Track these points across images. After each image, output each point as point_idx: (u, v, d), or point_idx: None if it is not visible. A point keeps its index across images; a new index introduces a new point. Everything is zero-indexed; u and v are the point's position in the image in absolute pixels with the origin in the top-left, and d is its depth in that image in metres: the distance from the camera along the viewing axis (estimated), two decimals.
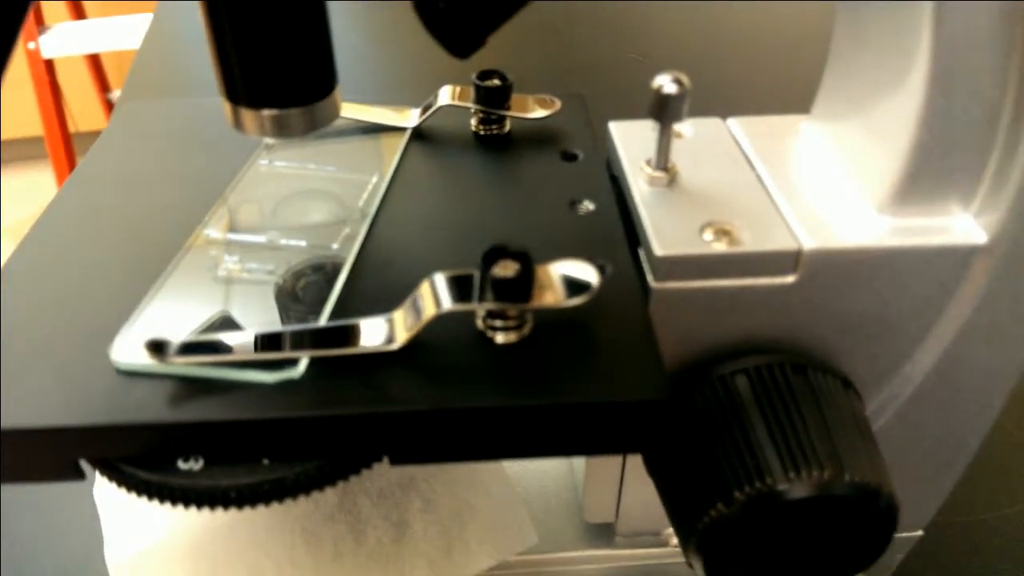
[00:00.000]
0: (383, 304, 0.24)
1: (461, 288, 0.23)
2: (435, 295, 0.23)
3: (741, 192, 0.27)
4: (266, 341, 0.22)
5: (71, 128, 1.59)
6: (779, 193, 0.27)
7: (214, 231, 0.27)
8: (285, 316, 0.25)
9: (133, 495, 0.22)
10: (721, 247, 0.25)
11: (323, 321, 0.24)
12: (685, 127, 0.30)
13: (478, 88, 0.31)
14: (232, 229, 0.27)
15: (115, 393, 0.22)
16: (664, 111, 0.25)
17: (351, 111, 0.33)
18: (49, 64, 1.47)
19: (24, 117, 1.72)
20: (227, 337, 0.22)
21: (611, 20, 0.91)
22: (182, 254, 0.26)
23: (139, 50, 0.89)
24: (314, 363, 0.23)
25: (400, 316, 0.23)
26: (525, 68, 0.34)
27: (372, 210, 0.28)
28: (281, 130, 0.23)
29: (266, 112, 0.23)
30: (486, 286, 0.22)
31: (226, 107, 0.23)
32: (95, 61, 1.66)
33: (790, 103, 0.32)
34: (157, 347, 0.22)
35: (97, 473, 0.23)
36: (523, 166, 0.31)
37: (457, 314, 0.23)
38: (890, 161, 0.25)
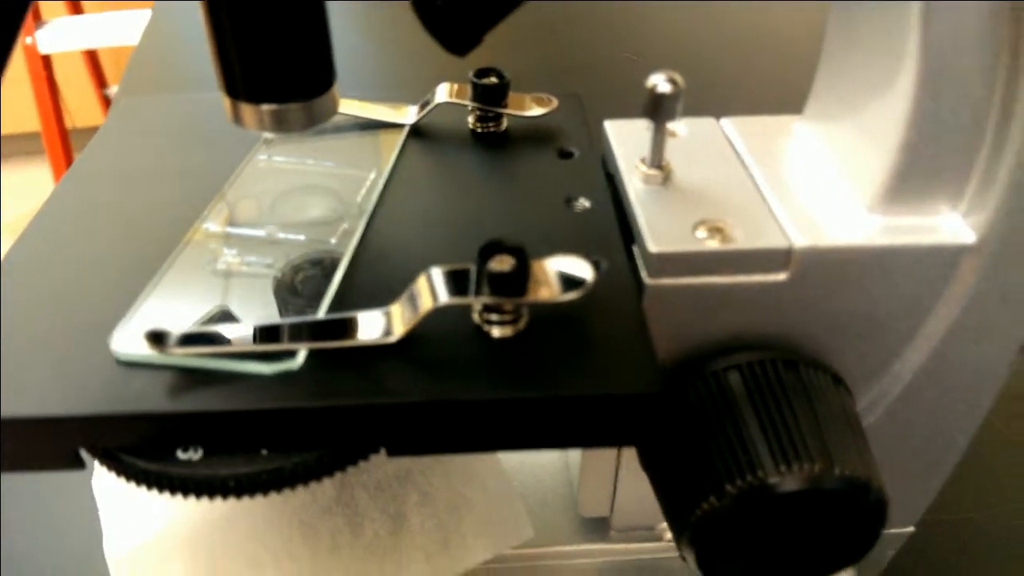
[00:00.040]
0: (381, 298, 0.24)
1: (458, 282, 0.23)
2: (432, 289, 0.23)
3: (734, 191, 0.27)
4: (265, 333, 0.23)
5: (68, 124, 1.59)
6: (771, 192, 0.27)
7: (213, 225, 0.27)
8: (284, 309, 0.25)
9: (132, 485, 0.22)
10: (714, 244, 0.25)
11: (321, 315, 0.24)
12: (679, 126, 0.31)
13: (475, 86, 0.32)
14: (231, 223, 0.28)
15: (115, 383, 0.22)
16: (658, 110, 0.26)
17: (349, 107, 0.33)
18: (46, 59, 1.47)
19: (21, 113, 1.72)
20: (226, 329, 0.23)
21: (608, 20, 0.91)
22: (181, 247, 0.26)
23: (137, 46, 0.89)
24: (312, 355, 0.23)
25: (398, 309, 0.23)
26: (522, 68, 0.34)
27: (370, 206, 0.29)
28: (280, 125, 0.23)
29: (265, 107, 0.23)
30: (482, 280, 0.22)
31: (226, 102, 0.23)
32: (92, 57, 1.66)
33: (784, 103, 0.32)
34: (157, 338, 0.22)
35: (95, 465, 0.23)
36: (520, 163, 0.31)
37: (454, 308, 0.23)
38: (880, 161, 0.26)
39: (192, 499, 0.28)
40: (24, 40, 1.39)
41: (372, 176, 0.30)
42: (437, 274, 0.23)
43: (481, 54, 0.27)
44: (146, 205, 0.29)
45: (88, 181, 0.30)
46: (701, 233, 0.26)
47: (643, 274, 0.26)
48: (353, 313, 0.23)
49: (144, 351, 0.22)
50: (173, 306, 0.24)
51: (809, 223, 0.26)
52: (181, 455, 0.22)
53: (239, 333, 0.22)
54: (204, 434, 0.22)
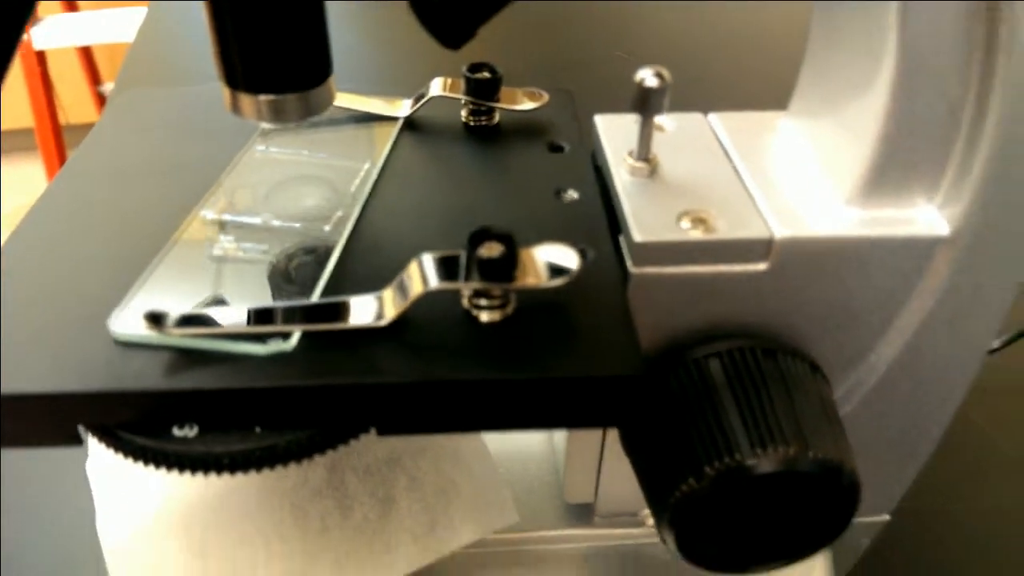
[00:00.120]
0: (373, 285, 0.25)
1: (448, 268, 0.24)
2: (423, 274, 0.24)
3: (718, 183, 0.28)
4: (260, 315, 0.23)
5: (62, 120, 1.59)
6: (754, 185, 0.28)
7: (211, 213, 0.28)
8: (278, 295, 0.26)
9: (130, 461, 0.23)
10: (697, 234, 0.26)
11: (315, 299, 0.25)
12: (667, 121, 0.31)
13: (468, 80, 0.32)
14: (228, 211, 0.28)
15: (114, 363, 0.23)
16: (646, 104, 0.26)
17: (345, 100, 0.34)
18: (41, 56, 1.48)
19: (15, 108, 1.72)
20: (222, 311, 0.23)
21: (601, 19, 0.92)
22: (179, 234, 0.27)
23: (132, 43, 0.90)
24: (306, 337, 0.24)
25: (389, 294, 0.24)
26: (516, 65, 0.35)
27: (364, 196, 0.29)
28: (278, 115, 0.24)
29: (263, 97, 0.24)
30: (472, 266, 0.23)
31: (225, 92, 0.24)
32: (87, 53, 1.66)
33: (770, 100, 0.33)
34: (155, 319, 0.23)
35: (90, 449, 0.24)
36: (511, 156, 0.32)
37: (444, 294, 0.24)
38: (859, 155, 0.27)
39: (186, 481, 0.29)
40: None
41: (366, 167, 0.31)
42: (428, 260, 0.24)
43: (475, 51, 0.28)
44: (144, 194, 0.30)
45: (87, 171, 0.31)
46: (685, 223, 0.27)
47: (628, 263, 0.27)
48: (346, 297, 0.24)
49: (142, 331, 0.23)
50: (171, 289, 0.25)
51: (789, 215, 0.27)
52: (177, 432, 0.23)
53: (235, 315, 0.23)
54: (200, 412, 0.23)
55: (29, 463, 0.45)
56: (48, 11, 1.50)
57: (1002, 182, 0.26)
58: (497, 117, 0.34)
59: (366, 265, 0.27)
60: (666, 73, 0.26)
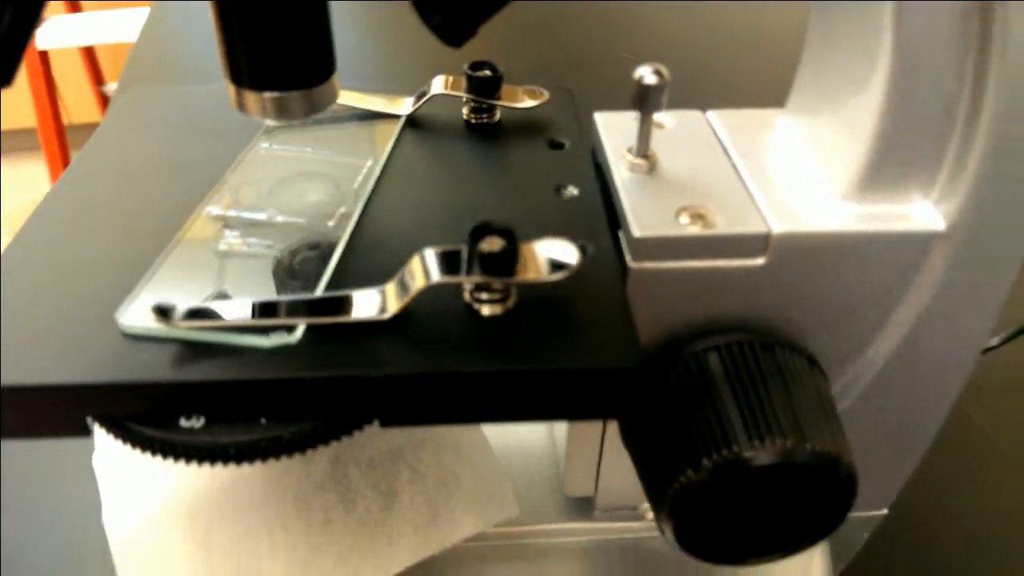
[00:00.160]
0: (376, 280, 0.25)
1: (450, 262, 0.24)
2: (425, 268, 0.24)
3: (717, 179, 0.29)
4: (265, 308, 0.24)
5: (65, 120, 1.60)
6: (752, 181, 0.28)
7: (216, 209, 0.29)
8: (282, 289, 0.26)
9: (137, 452, 0.23)
10: (695, 230, 0.27)
11: (319, 293, 0.25)
12: (667, 118, 0.32)
13: (470, 78, 0.33)
14: (233, 207, 0.29)
15: (122, 355, 0.23)
16: (645, 101, 0.27)
17: (348, 98, 0.34)
18: (44, 55, 1.48)
19: (18, 108, 1.73)
20: (228, 304, 0.24)
21: (601, 19, 0.93)
22: (185, 229, 0.28)
23: (135, 44, 0.90)
24: (310, 331, 0.24)
25: (392, 288, 0.25)
26: (517, 65, 0.36)
27: (367, 192, 0.30)
28: (282, 112, 0.24)
29: (268, 95, 0.24)
30: (473, 260, 0.24)
31: (230, 89, 0.24)
32: (90, 53, 1.67)
33: (771, 99, 0.33)
34: (163, 312, 0.23)
35: (96, 443, 0.24)
36: (512, 153, 0.32)
37: (446, 288, 0.24)
38: (855, 151, 0.27)
39: (191, 474, 0.29)
40: None
41: (369, 164, 0.31)
42: (430, 254, 0.24)
43: (476, 51, 0.29)
44: (150, 191, 0.30)
45: (93, 169, 0.31)
46: (684, 219, 0.27)
47: (627, 258, 0.27)
48: (349, 291, 0.25)
49: (150, 324, 0.23)
50: (177, 284, 0.25)
51: (787, 210, 0.27)
52: (184, 423, 0.23)
53: (241, 308, 0.24)
54: (206, 403, 0.23)
55: (31, 456, 0.45)
56: (51, 12, 1.51)
57: (997, 178, 0.26)
58: (498, 115, 0.34)
59: (369, 260, 0.27)
60: (664, 70, 0.26)
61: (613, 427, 0.32)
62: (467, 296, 0.25)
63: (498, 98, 0.33)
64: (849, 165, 0.27)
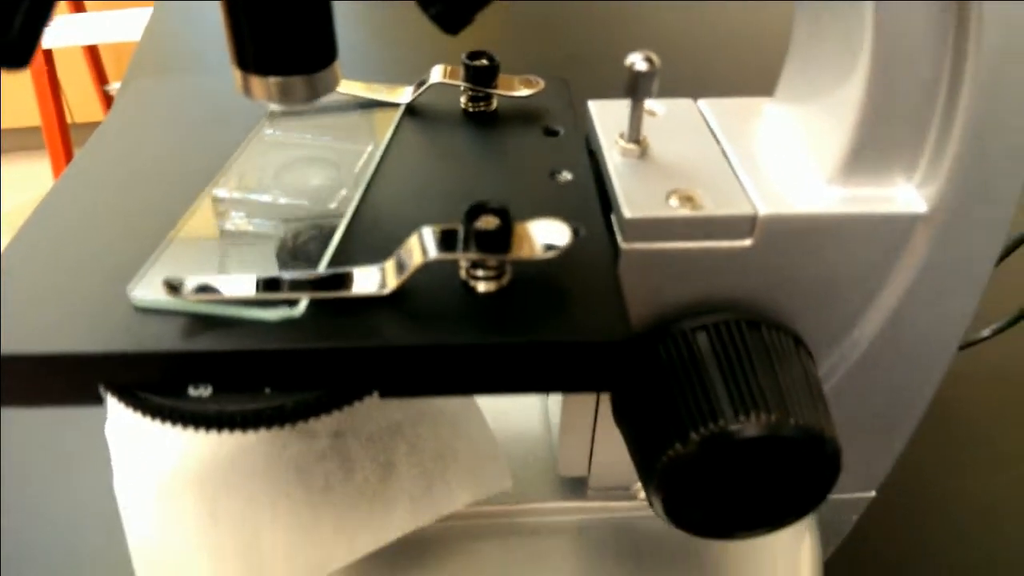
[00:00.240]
0: (376, 258, 0.26)
1: (446, 240, 0.25)
2: (423, 245, 0.25)
3: (706, 164, 0.30)
4: (269, 283, 0.25)
5: (68, 119, 1.61)
6: (740, 165, 0.29)
7: (223, 191, 0.29)
8: (285, 267, 0.27)
9: (147, 420, 0.24)
10: (685, 212, 0.27)
11: (321, 270, 0.26)
12: (658, 106, 0.33)
13: (467, 67, 0.34)
14: (238, 190, 0.30)
15: (134, 327, 0.24)
16: (636, 87, 0.28)
17: (349, 87, 0.35)
18: (48, 54, 1.49)
19: (22, 107, 1.74)
20: (235, 279, 0.25)
21: (600, 17, 0.94)
22: (193, 210, 0.29)
23: (139, 43, 0.91)
24: (313, 305, 0.25)
25: (391, 265, 0.26)
26: (517, 63, 0.37)
27: (367, 176, 0.31)
28: (286, 96, 0.25)
29: (272, 79, 0.25)
30: (469, 238, 0.25)
31: (236, 74, 0.25)
32: (93, 52, 1.68)
33: (761, 91, 0.34)
34: (173, 286, 0.24)
35: (108, 413, 0.25)
36: (508, 140, 0.33)
37: (443, 266, 0.25)
38: (839, 137, 0.28)
39: (199, 445, 0.30)
40: None
41: (369, 149, 0.32)
42: (427, 232, 0.25)
43: (475, 48, 0.30)
44: (159, 175, 0.31)
45: (106, 154, 0.32)
46: (673, 201, 0.28)
47: (619, 239, 0.28)
48: (350, 268, 0.26)
49: (161, 298, 0.24)
50: (186, 259, 0.26)
51: (773, 193, 0.28)
52: (192, 392, 0.24)
53: (247, 283, 0.25)
54: (213, 372, 0.24)
55: (32, 456, 0.46)
56: (55, 11, 1.52)
57: (976, 162, 0.27)
58: (495, 103, 0.35)
59: (369, 240, 0.28)
60: (655, 58, 0.27)
61: (606, 409, 0.33)
62: (463, 274, 0.26)
63: (495, 87, 0.34)
64: (834, 150, 0.28)
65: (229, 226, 0.28)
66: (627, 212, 0.27)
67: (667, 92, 0.31)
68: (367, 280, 0.25)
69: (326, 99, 0.28)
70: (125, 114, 0.35)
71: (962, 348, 0.33)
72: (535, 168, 0.31)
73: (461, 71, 0.34)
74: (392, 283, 0.25)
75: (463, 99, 0.35)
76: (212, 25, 0.94)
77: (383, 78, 0.37)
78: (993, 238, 0.29)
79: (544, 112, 0.35)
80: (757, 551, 0.37)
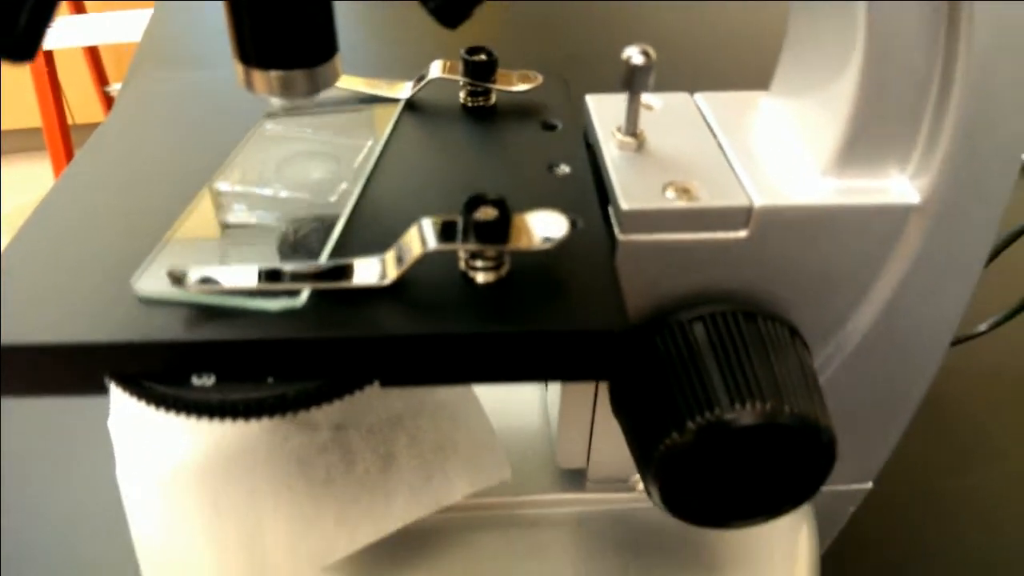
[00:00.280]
0: (376, 249, 0.26)
1: (446, 231, 0.25)
2: (422, 236, 0.25)
3: (702, 156, 0.30)
4: (271, 274, 0.25)
5: (69, 120, 1.61)
6: (736, 158, 0.30)
7: (224, 184, 0.30)
8: (287, 258, 0.27)
9: (152, 409, 0.25)
10: (681, 203, 0.28)
11: (322, 261, 0.27)
12: (655, 100, 0.33)
13: (466, 62, 0.34)
14: (240, 183, 0.30)
15: (139, 317, 0.24)
16: (633, 80, 0.28)
17: (350, 83, 0.36)
18: (48, 56, 1.50)
19: (23, 108, 1.74)
20: (238, 270, 0.25)
21: (600, 17, 0.94)
22: (196, 203, 0.29)
23: (139, 44, 0.92)
24: (314, 296, 0.25)
25: (391, 256, 0.26)
26: (518, 62, 0.37)
27: (367, 170, 0.31)
28: (287, 89, 0.26)
29: (273, 73, 0.25)
30: (468, 229, 0.25)
31: (238, 68, 0.26)
32: (94, 53, 1.68)
33: (758, 86, 0.35)
34: (176, 277, 0.24)
35: (111, 406, 0.25)
36: (506, 134, 0.34)
37: (443, 258, 0.26)
38: (834, 130, 0.28)
39: (202, 438, 0.31)
40: None
41: (369, 144, 0.33)
42: (427, 223, 0.26)
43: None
44: (160, 173, 0.31)
45: (110, 150, 0.33)
46: (670, 193, 0.28)
47: (616, 230, 0.28)
48: (350, 259, 0.26)
49: (164, 289, 0.24)
50: (189, 251, 0.27)
51: (769, 185, 0.28)
52: (196, 381, 0.24)
53: (249, 274, 0.25)
54: (216, 362, 0.24)
55: (30, 456, 0.46)
56: (58, 9, 1.52)
57: (968, 154, 0.27)
58: (494, 98, 0.36)
59: (370, 232, 0.28)
60: (651, 51, 0.28)
61: (604, 402, 0.34)
62: (462, 265, 0.26)
63: (493, 82, 0.35)
64: (828, 143, 0.29)
65: (231, 219, 0.29)
66: (624, 204, 0.28)
67: (664, 87, 0.32)
68: (368, 271, 0.26)
69: (326, 95, 0.29)
70: (126, 113, 0.36)
71: (958, 343, 0.33)
72: (533, 162, 0.32)
73: (460, 66, 0.35)
74: (392, 274, 0.25)
75: (462, 94, 0.36)
76: (212, 26, 0.94)
77: (383, 75, 0.37)
78: (985, 227, 0.29)
79: (542, 107, 0.35)
80: (754, 541, 0.38)
